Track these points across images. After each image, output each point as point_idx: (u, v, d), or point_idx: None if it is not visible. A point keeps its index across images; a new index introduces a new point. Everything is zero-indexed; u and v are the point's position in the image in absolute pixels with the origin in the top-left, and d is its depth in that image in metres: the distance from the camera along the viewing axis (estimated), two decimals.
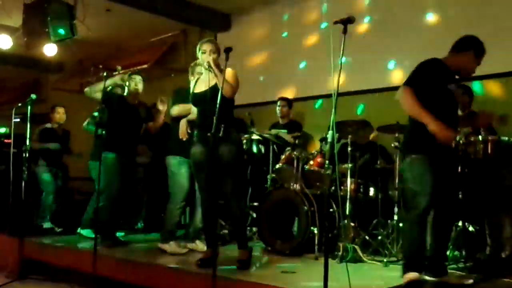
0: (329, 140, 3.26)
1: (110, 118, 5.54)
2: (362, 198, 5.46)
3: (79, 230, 6.15)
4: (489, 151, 4.40)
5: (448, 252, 4.49)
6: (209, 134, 3.99)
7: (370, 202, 5.46)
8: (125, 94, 5.63)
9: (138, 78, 5.73)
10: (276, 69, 7.86)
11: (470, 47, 3.97)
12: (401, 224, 4.74)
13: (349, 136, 5.32)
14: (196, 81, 4.60)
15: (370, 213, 5.42)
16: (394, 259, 4.69)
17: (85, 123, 6.41)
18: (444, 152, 3.79)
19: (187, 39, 9.25)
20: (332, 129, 3.20)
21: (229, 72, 4.31)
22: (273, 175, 5.95)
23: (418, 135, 3.81)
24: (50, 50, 7.91)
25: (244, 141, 5.90)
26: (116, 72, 5.68)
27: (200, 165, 4.43)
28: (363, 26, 6.83)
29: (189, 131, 4.71)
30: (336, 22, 3.24)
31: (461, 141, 4.45)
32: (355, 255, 4.72)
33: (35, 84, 12.52)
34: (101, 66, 5.57)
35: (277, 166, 5.72)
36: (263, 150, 6.29)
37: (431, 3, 6.42)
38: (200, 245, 5.27)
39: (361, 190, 5.50)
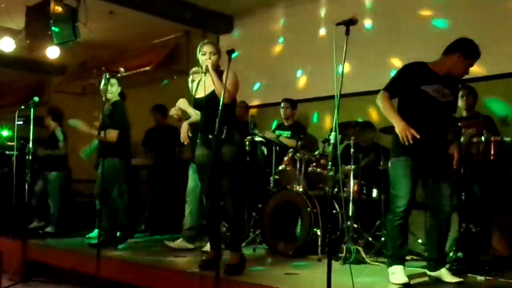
0: (331, 141, 3.26)
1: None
2: (365, 200, 5.45)
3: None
4: (492, 152, 4.40)
5: (451, 254, 4.50)
6: (210, 136, 4.01)
7: (373, 203, 5.46)
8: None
9: (113, 80, 5.74)
10: (278, 70, 7.86)
11: (458, 49, 4.03)
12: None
13: (352, 138, 5.33)
14: (198, 84, 4.59)
15: (373, 215, 5.42)
16: None
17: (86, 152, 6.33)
18: (427, 155, 3.95)
19: (189, 41, 9.24)
20: (335, 131, 3.20)
21: (231, 76, 4.26)
22: (276, 177, 5.95)
23: (399, 139, 3.91)
24: (52, 52, 7.93)
25: (247, 142, 5.90)
26: (119, 74, 5.69)
27: (203, 168, 4.43)
28: (366, 27, 6.83)
29: (189, 134, 4.70)
30: (338, 24, 3.24)
31: (464, 142, 4.47)
32: (358, 256, 4.72)
33: (37, 86, 12.53)
34: (103, 69, 5.56)
35: (280, 167, 5.72)
36: (265, 152, 6.29)
37: (435, 5, 6.41)
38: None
39: (364, 191, 5.49)
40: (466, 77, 4.23)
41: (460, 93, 5.16)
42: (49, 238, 6.52)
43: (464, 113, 5.33)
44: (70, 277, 5.33)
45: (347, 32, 3.20)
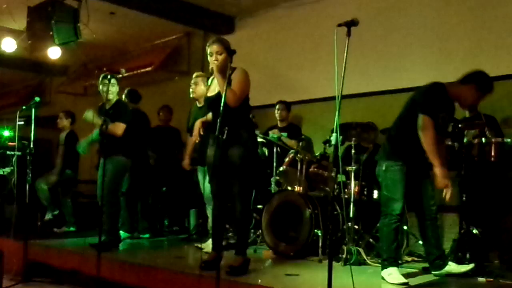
0: (332, 142, 3.27)
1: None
2: (366, 201, 5.45)
3: None
4: (493, 153, 4.39)
5: (452, 256, 4.50)
6: (220, 136, 4.00)
7: (374, 204, 5.44)
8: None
9: (112, 81, 5.66)
10: (279, 71, 7.86)
11: (472, 81, 4.12)
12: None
13: (353, 139, 5.32)
14: (211, 83, 4.55)
15: (374, 216, 5.39)
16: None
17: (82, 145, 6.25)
18: (418, 162, 4.10)
19: (191, 42, 9.26)
20: (336, 132, 3.20)
21: (237, 75, 4.25)
22: (277, 178, 5.96)
23: (398, 145, 4.13)
24: (54, 53, 7.92)
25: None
26: (120, 75, 5.69)
27: (213, 169, 4.36)
28: (367, 28, 6.83)
29: (201, 133, 4.56)
30: (340, 25, 3.25)
31: (466, 143, 4.49)
32: (359, 257, 4.72)
33: (39, 87, 12.55)
34: (105, 69, 5.55)
35: (281, 168, 5.72)
36: (266, 153, 6.31)
37: (435, 5, 6.41)
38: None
39: (365, 192, 5.49)
40: None
41: None
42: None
43: (467, 114, 5.34)
44: (71, 278, 5.32)
45: (349, 33, 3.20)
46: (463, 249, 4.54)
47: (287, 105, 6.90)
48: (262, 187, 6.26)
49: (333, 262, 3.22)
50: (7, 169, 7.76)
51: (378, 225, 4.34)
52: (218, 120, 3.76)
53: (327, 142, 5.65)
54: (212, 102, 4.35)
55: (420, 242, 4.97)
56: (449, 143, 4.70)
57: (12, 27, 8.11)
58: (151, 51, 9.65)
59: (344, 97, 3.19)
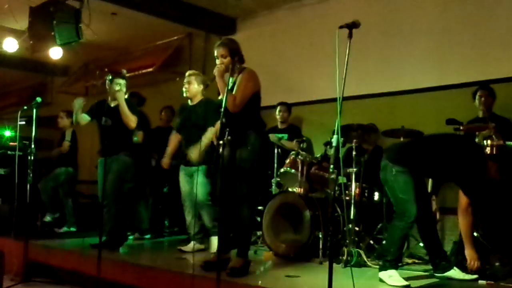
0: (334, 144, 3.26)
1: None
2: (366, 203, 5.45)
3: None
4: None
5: (452, 258, 4.49)
6: (229, 137, 4.03)
7: (375, 206, 5.45)
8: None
9: (122, 81, 5.66)
10: (281, 73, 7.85)
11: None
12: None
13: (354, 141, 5.32)
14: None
15: (374, 218, 5.41)
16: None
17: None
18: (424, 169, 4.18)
19: (192, 43, 9.26)
20: (337, 134, 3.20)
21: (242, 79, 4.25)
22: (278, 179, 5.95)
23: (410, 152, 4.21)
24: (55, 53, 7.93)
25: None
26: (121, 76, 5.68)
27: (223, 169, 4.34)
28: (368, 30, 6.83)
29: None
30: (341, 27, 3.25)
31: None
32: (360, 259, 4.71)
33: (40, 87, 12.54)
34: (106, 70, 5.55)
35: (282, 170, 5.72)
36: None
37: (436, 8, 6.41)
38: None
39: (366, 194, 5.49)
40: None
41: (479, 93, 5.31)
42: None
43: (480, 114, 5.32)
44: (71, 278, 5.33)
45: (350, 35, 3.20)
46: (463, 252, 4.53)
47: (288, 107, 6.90)
48: (263, 189, 6.26)
49: (334, 264, 3.21)
50: (8, 169, 7.78)
51: (389, 226, 4.30)
52: (221, 122, 3.77)
53: (328, 143, 5.65)
54: (221, 101, 4.32)
55: (421, 244, 4.97)
56: None
57: (13, 27, 8.12)
58: (153, 52, 9.65)
59: (345, 98, 3.18)
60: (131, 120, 5.49)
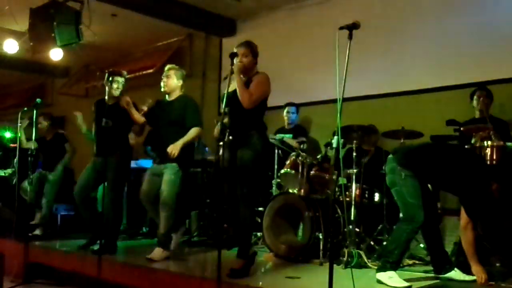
0: (334, 145, 3.27)
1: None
2: (367, 204, 5.44)
3: None
4: (494, 157, 4.38)
5: (453, 259, 4.49)
6: (231, 137, 4.07)
7: (375, 207, 5.45)
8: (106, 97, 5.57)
9: (121, 79, 5.55)
10: (281, 74, 7.84)
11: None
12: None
13: (355, 142, 5.32)
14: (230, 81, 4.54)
15: (375, 219, 5.40)
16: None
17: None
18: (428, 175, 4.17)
19: (192, 44, 9.27)
20: (337, 135, 3.20)
21: (258, 78, 4.30)
22: (278, 180, 5.95)
23: (418, 157, 4.18)
24: (56, 54, 7.94)
25: None
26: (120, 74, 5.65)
27: (225, 171, 4.38)
28: (369, 31, 6.83)
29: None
30: (341, 28, 3.26)
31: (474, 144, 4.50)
32: (360, 260, 4.70)
33: (41, 88, 12.57)
34: (107, 71, 5.54)
35: (282, 171, 5.71)
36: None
37: (436, 10, 6.41)
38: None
39: (366, 195, 5.48)
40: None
41: (477, 94, 5.35)
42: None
43: (477, 114, 5.34)
44: (72, 279, 5.33)
45: (350, 36, 3.20)
46: (464, 253, 4.53)
47: (297, 108, 6.90)
48: (263, 190, 6.25)
49: (334, 265, 3.22)
50: (9, 170, 7.76)
51: (395, 229, 4.26)
52: (219, 123, 3.77)
53: (328, 144, 5.65)
54: (228, 99, 4.25)
55: (422, 245, 4.97)
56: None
57: (14, 29, 8.12)
58: (153, 53, 9.66)
59: (345, 99, 3.19)
60: (139, 119, 5.29)
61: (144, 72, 9.12)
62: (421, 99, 6.36)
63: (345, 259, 4.70)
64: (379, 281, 4.02)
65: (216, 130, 4.50)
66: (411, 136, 5.30)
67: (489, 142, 4.42)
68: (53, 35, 6.65)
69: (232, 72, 4.18)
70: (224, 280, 3.72)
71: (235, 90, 4.28)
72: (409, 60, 6.54)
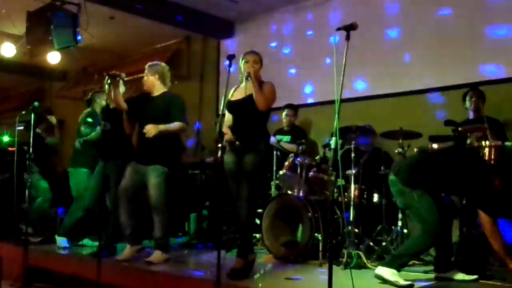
0: (332, 146, 3.26)
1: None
2: (366, 204, 5.45)
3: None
4: (492, 156, 4.39)
5: (452, 258, 4.49)
6: (237, 143, 4.16)
7: (374, 208, 5.45)
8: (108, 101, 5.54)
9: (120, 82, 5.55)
10: (279, 76, 7.85)
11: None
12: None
13: (353, 142, 5.32)
14: (235, 89, 4.57)
15: (374, 219, 5.40)
16: None
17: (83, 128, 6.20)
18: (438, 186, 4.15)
19: (190, 46, 9.27)
20: (335, 135, 3.20)
21: (267, 86, 4.39)
22: (277, 182, 5.95)
23: (423, 172, 4.13)
24: (53, 58, 7.94)
25: None
26: (120, 79, 5.65)
27: (231, 175, 4.42)
28: (367, 32, 6.84)
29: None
30: (339, 29, 3.27)
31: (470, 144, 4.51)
32: (359, 261, 4.70)
33: (38, 92, 12.55)
34: (105, 74, 5.51)
35: (281, 172, 5.72)
36: None
37: (435, 10, 6.41)
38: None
39: (365, 196, 5.49)
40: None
41: (470, 95, 5.36)
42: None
43: (471, 115, 5.36)
44: (71, 283, 5.31)
45: (348, 37, 3.21)
46: (463, 253, 4.53)
47: (295, 110, 6.89)
48: (262, 191, 6.25)
49: (333, 265, 3.22)
50: (6, 175, 7.74)
51: (417, 237, 4.24)
52: (220, 128, 3.79)
53: (326, 145, 5.65)
54: (235, 106, 4.42)
55: None
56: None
57: (11, 32, 8.12)
58: (151, 56, 9.61)
59: (343, 100, 3.19)
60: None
61: (142, 75, 9.06)
62: (419, 99, 6.37)
63: (344, 260, 4.70)
64: (378, 276, 4.00)
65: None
66: (409, 136, 5.29)
67: (487, 142, 4.42)
68: (50, 38, 6.65)
69: (248, 76, 4.28)
70: (223, 282, 3.71)
71: (244, 98, 4.36)
72: (407, 61, 6.55)
